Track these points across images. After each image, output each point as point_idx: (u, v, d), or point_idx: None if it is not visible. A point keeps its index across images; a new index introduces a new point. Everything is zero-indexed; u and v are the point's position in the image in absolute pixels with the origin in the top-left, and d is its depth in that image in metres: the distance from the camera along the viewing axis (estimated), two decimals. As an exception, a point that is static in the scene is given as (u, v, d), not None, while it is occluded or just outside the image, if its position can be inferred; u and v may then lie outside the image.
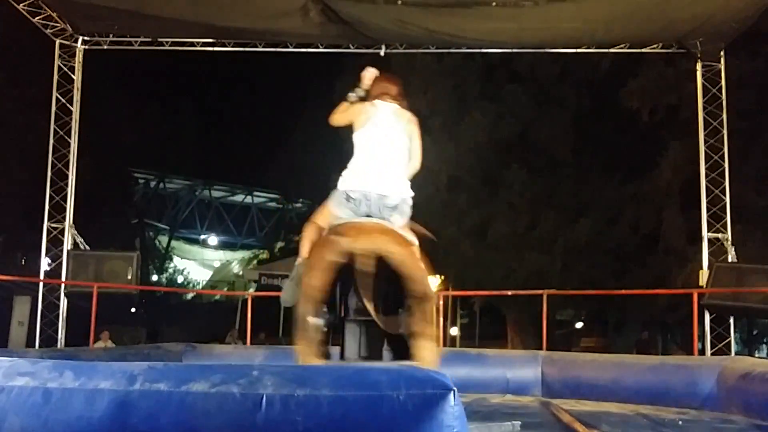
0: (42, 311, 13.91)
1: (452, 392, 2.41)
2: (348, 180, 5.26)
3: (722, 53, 13.75)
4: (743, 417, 6.85)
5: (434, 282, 18.67)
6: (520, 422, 6.09)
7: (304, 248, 5.42)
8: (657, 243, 20.74)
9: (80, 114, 14.38)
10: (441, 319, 14.43)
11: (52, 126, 14.15)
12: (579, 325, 33.32)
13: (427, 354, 4.83)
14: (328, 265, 4.96)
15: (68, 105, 14.22)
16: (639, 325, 28.60)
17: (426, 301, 4.96)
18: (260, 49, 14.28)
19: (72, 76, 14.30)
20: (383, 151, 5.39)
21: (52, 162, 14.13)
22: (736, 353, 14.63)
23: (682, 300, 17.03)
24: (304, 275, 5.08)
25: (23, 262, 28.21)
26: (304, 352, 4.85)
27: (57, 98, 14.22)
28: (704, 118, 13.80)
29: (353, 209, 5.17)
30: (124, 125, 29.93)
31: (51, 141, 14.14)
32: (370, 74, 5.76)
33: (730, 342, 13.40)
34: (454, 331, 28.88)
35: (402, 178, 5.38)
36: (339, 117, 5.58)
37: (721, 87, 13.69)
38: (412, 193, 5.37)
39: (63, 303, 13.84)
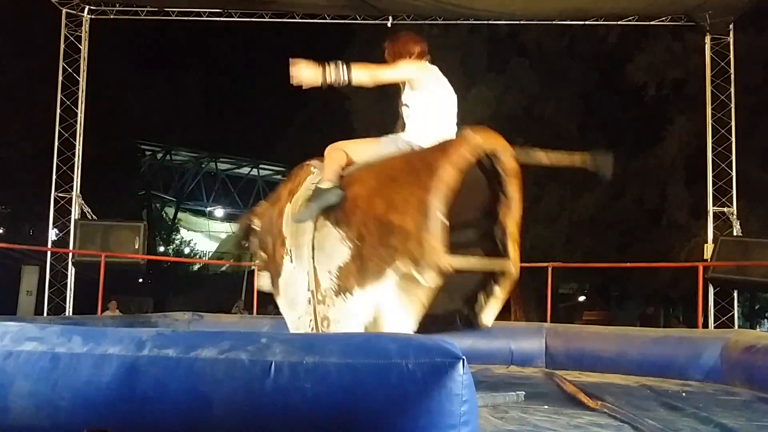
0: (50, 280, 13.98)
1: (461, 361, 2.42)
2: (419, 133, 5.26)
3: (731, 27, 13.72)
4: (747, 389, 6.87)
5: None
6: (524, 392, 6.12)
7: (331, 171, 5.25)
8: (661, 217, 20.73)
9: (87, 84, 14.37)
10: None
11: (59, 96, 14.15)
12: (582, 298, 33.34)
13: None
14: (466, 165, 4.81)
15: (75, 75, 14.22)
16: (641, 299, 28.64)
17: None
18: (267, 19, 14.25)
19: (78, 45, 14.29)
20: (448, 112, 5.49)
21: (59, 132, 14.14)
22: (738, 327, 14.66)
23: (685, 274, 17.05)
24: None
25: (31, 233, 28.27)
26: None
27: (64, 68, 14.22)
28: (712, 91, 13.79)
29: None
30: (130, 96, 29.90)
31: (58, 111, 14.15)
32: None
33: (733, 315, 13.44)
34: (459, 303, 28.89)
35: None
36: (398, 73, 5.47)
37: (729, 61, 13.67)
38: None
39: (71, 272, 13.91)
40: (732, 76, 13.65)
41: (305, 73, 4.92)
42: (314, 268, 5.08)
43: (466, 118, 17.73)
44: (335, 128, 18.88)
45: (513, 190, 5.08)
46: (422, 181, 4.66)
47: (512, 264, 5.17)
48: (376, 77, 5.22)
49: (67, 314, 13.22)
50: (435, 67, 5.57)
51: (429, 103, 5.29)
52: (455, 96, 5.60)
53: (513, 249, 5.23)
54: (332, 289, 4.94)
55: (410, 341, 2.57)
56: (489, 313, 4.99)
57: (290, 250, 5.31)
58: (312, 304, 5.10)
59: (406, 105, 5.40)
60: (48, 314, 13.47)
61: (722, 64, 13.68)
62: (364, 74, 5.14)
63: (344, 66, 5.00)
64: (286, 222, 5.41)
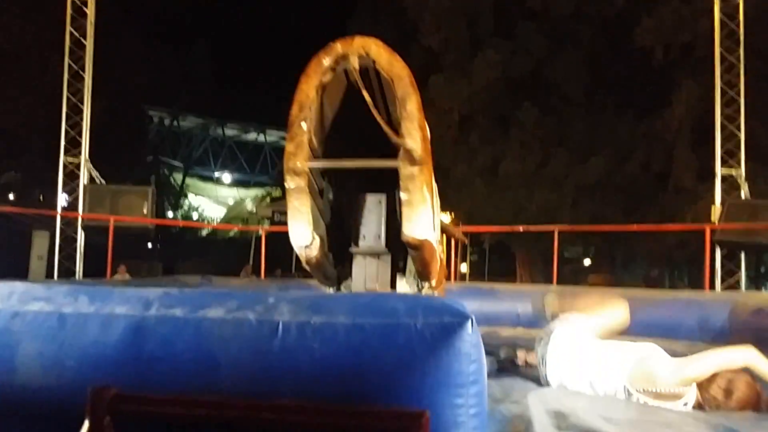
0: (60, 245, 14.06)
1: (470, 320, 2.41)
2: None
3: (741, -12, 13.66)
4: (755, 351, 6.87)
5: (445, 219, 18.74)
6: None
7: None
8: (667, 181, 20.73)
9: (94, 49, 14.35)
10: (452, 256, 14.52)
11: (66, 61, 14.15)
12: (587, 262, 33.35)
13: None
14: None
15: (82, 40, 14.20)
16: (646, 263, 28.67)
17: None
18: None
19: (85, 9, 14.24)
20: None
21: (67, 97, 14.15)
22: (745, 290, 14.64)
23: (691, 237, 17.07)
24: None
25: (41, 198, 28.41)
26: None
27: (71, 33, 14.19)
28: (721, 53, 13.72)
29: None
30: (137, 62, 29.86)
31: (65, 76, 14.16)
32: None
33: (739, 278, 13.44)
34: (464, 268, 28.95)
35: None
36: None
37: (738, 22, 13.59)
38: None
39: (80, 236, 13.97)
40: (741, 37, 13.58)
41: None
42: None
43: (472, 83, 17.69)
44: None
45: (402, 90, 4.79)
46: None
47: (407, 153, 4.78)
48: None
49: (77, 278, 13.28)
50: None
51: None
52: None
53: (408, 141, 4.81)
54: None
55: (418, 301, 2.57)
56: (407, 225, 4.74)
57: None
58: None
59: None
60: (58, 278, 13.53)
61: (731, 25, 13.61)
62: None
63: None
64: None
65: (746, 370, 4.50)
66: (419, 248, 4.68)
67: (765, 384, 4.49)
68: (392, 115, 4.78)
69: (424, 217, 4.59)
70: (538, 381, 5.03)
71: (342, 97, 4.90)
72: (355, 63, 4.65)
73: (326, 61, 4.70)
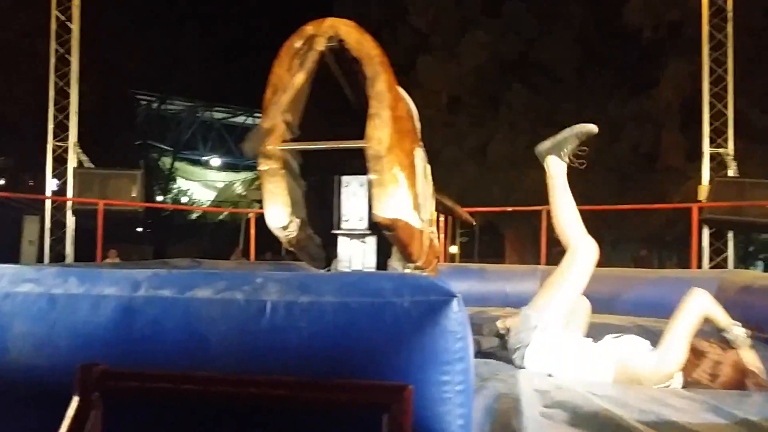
0: (51, 229, 14.08)
1: (455, 299, 2.43)
2: None
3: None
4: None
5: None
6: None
7: None
8: (657, 161, 20.75)
9: (81, 33, 14.33)
10: (442, 237, 14.53)
11: (53, 45, 14.14)
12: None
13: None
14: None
15: (68, 23, 14.16)
16: (635, 243, 28.74)
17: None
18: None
19: (71, -7, 14.24)
20: None
21: (54, 81, 14.14)
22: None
23: (679, 216, 17.10)
24: None
25: (31, 183, 28.40)
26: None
27: (56, 17, 14.16)
28: (709, 31, 13.74)
29: None
30: (125, 46, 29.77)
31: (52, 60, 14.14)
32: None
33: (727, 257, 13.49)
34: (454, 249, 28.97)
35: None
36: None
37: (726, -1, 13.63)
38: None
39: (70, 220, 13.99)
40: (730, 14, 13.60)
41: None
42: None
43: (461, 64, 17.66)
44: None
45: (371, 69, 4.76)
46: None
47: (373, 141, 4.62)
48: None
49: (67, 263, 13.29)
50: None
51: None
52: None
53: (373, 126, 4.63)
54: None
55: (405, 280, 2.59)
56: (377, 206, 4.73)
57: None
58: None
59: None
60: (49, 263, 13.55)
61: (719, 2, 13.63)
62: None
63: None
64: None
65: (734, 351, 4.56)
66: (392, 228, 4.69)
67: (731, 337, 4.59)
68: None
69: (397, 198, 4.59)
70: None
71: (314, 78, 4.90)
72: (321, 44, 4.67)
73: (297, 43, 4.71)
